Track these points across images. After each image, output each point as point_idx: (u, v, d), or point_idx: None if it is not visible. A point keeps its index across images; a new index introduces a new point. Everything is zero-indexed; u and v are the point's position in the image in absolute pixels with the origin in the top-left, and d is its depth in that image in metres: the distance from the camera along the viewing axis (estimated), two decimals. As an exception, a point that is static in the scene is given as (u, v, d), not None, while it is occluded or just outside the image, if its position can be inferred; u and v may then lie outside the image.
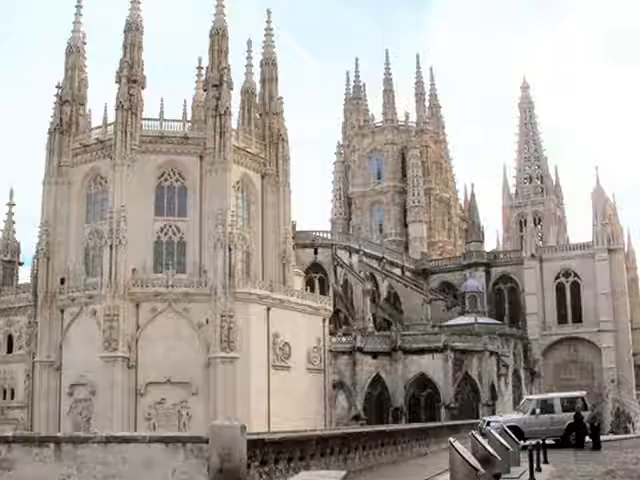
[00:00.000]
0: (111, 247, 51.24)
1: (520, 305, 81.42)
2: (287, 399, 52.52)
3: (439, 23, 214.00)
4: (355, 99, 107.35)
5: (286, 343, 54.60)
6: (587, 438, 28.22)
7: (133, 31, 55.56)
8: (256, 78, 62.41)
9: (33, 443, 12.30)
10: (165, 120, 56.13)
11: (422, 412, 60.79)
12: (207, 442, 11.59)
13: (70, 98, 57.57)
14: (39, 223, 56.06)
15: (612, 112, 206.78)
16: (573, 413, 28.35)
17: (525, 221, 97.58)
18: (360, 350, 61.33)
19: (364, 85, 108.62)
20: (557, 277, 79.11)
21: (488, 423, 28.38)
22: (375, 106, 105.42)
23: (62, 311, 54.16)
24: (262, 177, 58.95)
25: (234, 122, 57.25)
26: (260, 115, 60.94)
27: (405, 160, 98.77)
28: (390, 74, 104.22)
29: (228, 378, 50.49)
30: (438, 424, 39.98)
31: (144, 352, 50.87)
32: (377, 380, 61.75)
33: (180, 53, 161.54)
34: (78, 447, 12.10)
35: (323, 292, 63.81)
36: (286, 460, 14.34)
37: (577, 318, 78.08)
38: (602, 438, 30.05)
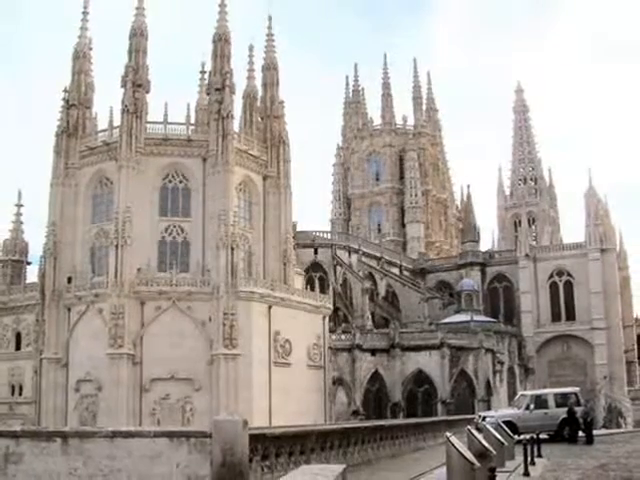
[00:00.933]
0: (117, 247, 51.21)
1: (515, 303, 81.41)
2: (288, 395, 52.50)
3: (436, 28, 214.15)
4: (354, 103, 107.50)
5: (287, 340, 54.57)
6: (580, 433, 28.22)
7: (138, 37, 55.50)
8: (258, 82, 62.40)
9: (41, 437, 12.33)
10: (169, 123, 56.05)
11: (419, 407, 60.80)
12: (210, 437, 11.60)
13: (77, 102, 57.52)
14: (46, 223, 56.01)
15: (605, 115, 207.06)
16: (566, 408, 28.35)
17: (519, 221, 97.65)
18: (359, 347, 61.33)
19: (363, 89, 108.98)
20: (551, 276, 79.09)
21: (484, 418, 28.38)
22: (374, 109, 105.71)
23: (69, 309, 54.15)
24: (263, 179, 58.93)
25: (236, 125, 57.25)
26: (262, 118, 60.89)
27: (403, 162, 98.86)
28: (388, 78, 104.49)
29: (230, 374, 50.47)
30: (435, 419, 39.98)
31: (149, 349, 50.83)
32: (376, 376, 61.75)
33: (184, 58, 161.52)
34: (84, 441, 12.12)
35: (323, 291, 63.80)
36: (287, 454, 14.36)
37: (570, 316, 78.07)
38: (594, 433, 30.04)
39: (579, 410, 28.63)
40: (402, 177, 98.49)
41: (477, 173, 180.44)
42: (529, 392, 37.22)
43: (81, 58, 58.68)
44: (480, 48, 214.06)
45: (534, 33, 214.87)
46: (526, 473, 16.55)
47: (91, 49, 59.86)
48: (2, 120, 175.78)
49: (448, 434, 12.12)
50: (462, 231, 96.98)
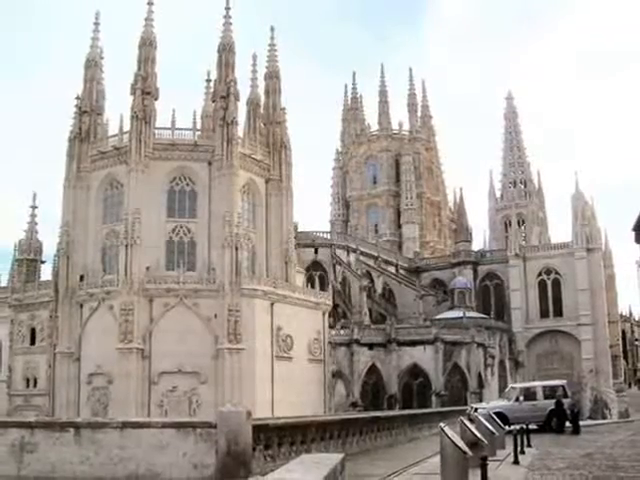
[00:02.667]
0: (126, 246, 51.23)
1: (505, 300, 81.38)
2: (289, 387, 52.52)
3: (431, 38, 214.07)
4: (353, 109, 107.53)
5: (288, 335, 54.59)
6: (567, 423, 28.22)
7: (147, 46, 55.49)
8: (261, 90, 62.38)
9: (54, 428, 12.32)
10: (176, 129, 56.06)
11: (414, 399, 60.80)
12: (215, 427, 11.61)
13: (89, 108, 57.53)
14: (60, 224, 56.09)
15: (592, 121, 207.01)
16: (554, 400, 28.36)
17: (510, 222, 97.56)
18: (357, 342, 61.35)
19: (361, 96, 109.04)
20: (539, 274, 79.04)
21: (476, 410, 28.33)
22: (371, 116, 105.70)
23: (81, 306, 54.16)
24: (266, 182, 58.93)
25: (240, 131, 57.21)
26: (264, 124, 60.87)
27: (399, 166, 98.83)
28: (385, 86, 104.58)
29: (235, 368, 50.48)
30: (429, 411, 39.99)
31: (157, 344, 50.81)
32: (373, 370, 61.76)
33: (190, 67, 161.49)
34: (96, 432, 12.12)
35: (323, 288, 63.79)
36: (288, 444, 14.36)
37: (558, 312, 78.01)
38: (581, 423, 30.03)
39: (566, 402, 28.65)
40: (398, 180, 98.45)
41: (469, 176, 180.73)
42: (519, 385, 37.20)
43: (93, 67, 58.69)
44: (472, 57, 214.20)
45: (525, 42, 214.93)
46: (516, 462, 16.54)
47: (102, 58, 59.89)
48: (18, 125, 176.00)
49: (442, 425, 12.12)
50: (455, 231, 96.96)
